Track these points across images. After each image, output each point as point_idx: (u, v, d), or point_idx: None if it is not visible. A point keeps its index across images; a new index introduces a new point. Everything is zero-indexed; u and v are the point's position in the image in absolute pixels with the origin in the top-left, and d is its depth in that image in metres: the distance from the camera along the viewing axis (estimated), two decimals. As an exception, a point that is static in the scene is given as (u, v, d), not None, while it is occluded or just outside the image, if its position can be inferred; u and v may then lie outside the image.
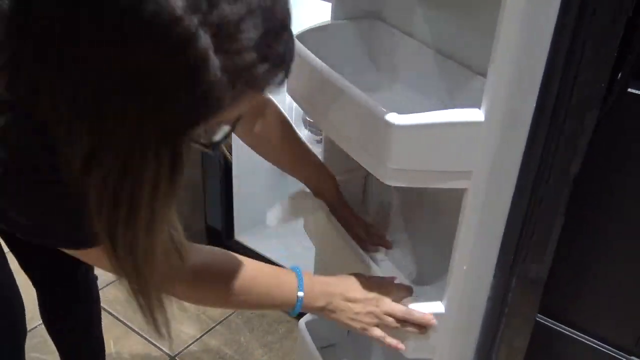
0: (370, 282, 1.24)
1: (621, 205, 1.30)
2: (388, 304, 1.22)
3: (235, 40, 0.68)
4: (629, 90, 1.15)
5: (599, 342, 1.44)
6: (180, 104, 0.69)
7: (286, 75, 0.77)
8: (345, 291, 1.22)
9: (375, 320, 1.22)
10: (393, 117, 1.05)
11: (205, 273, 1.13)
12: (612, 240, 1.34)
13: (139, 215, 0.77)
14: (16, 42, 0.73)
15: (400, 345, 1.25)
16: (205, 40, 0.65)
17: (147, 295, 0.91)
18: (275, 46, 0.72)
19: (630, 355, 1.41)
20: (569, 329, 1.46)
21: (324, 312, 1.23)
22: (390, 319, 1.22)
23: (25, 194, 0.87)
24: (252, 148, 1.50)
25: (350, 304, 1.21)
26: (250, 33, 0.68)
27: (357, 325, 1.22)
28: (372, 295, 1.22)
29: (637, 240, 1.30)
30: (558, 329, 1.47)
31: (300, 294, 1.18)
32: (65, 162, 0.76)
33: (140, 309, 0.92)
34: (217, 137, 0.82)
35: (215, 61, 0.67)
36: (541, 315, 1.45)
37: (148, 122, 0.69)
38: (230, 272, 1.14)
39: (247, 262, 1.18)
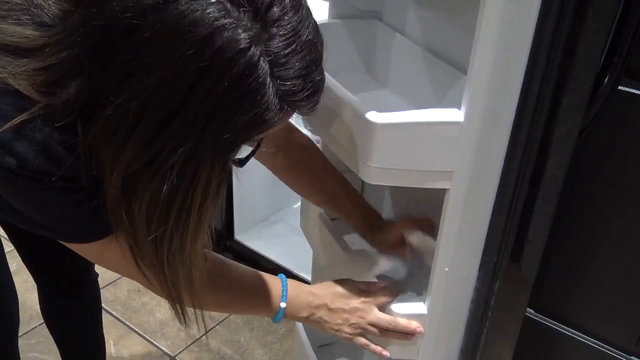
0: (356, 290, 1.24)
1: (620, 203, 1.29)
2: (374, 315, 1.22)
3: (286, 69, 0.80)
4: (620, 88, 1.13)
5: (599, 342, 1.43)
6: (241, 123, 0.79)
7: (319, 100, 0.88)
8: (330, 302, 1.22)
9: (359, 331, 1.23)
10: (374, 116, 1.05)
11: None
12: (612, 239, 1.33)
13: (189, 221, 0.86)
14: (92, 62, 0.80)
15: (385, 352, 1.25)
16: (265, 67, 0.77)
17: (180, 296, 0.99)
18: (314, 75, 0.84)
19: (630, 355, 1.40)
20: (568, 329, 1.46)
21: (308, 322, 1.24)
22: (375, 329, 1.22)
23: (43, 198, 0.91)
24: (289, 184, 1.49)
25: (334, 315, 1.22)
26: (298, 63, 0.81)
27: (341, 335, 1.23)
28: (357, 305, 1.22)
29: (636, 239, 1.29)
30: (557, 328, 1.47)
31: (283, 304, 1.19)
32: (112, 171, 0.84)
33: (175, 312, 1.03)
34: (245, 153, 0.94)
35: (271, 86, 0.78)
36: (540, 315, 1.44)
37: (210, 136, 0.79)
38: (217, 275, 1.15)
39: (233, 266, 1.19)
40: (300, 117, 2.37)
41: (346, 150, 1.15)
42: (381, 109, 1.07)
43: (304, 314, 1.21)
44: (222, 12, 0.74)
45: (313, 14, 0.89)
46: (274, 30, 0.78)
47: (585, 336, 1.45)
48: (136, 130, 0.79)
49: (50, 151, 0.85)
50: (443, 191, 1.12)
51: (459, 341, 1.30)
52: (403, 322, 1.22)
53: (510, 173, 1.10)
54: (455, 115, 1.04)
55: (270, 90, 0.79)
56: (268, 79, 0.78)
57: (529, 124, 1.05)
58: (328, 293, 1.23)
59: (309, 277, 2.11)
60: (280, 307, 1.19)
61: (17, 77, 0.83)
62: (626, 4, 1.02)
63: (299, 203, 2.29)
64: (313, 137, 2.37)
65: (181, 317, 1.04)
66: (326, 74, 1.18)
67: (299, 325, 1.80)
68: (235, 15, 0.75)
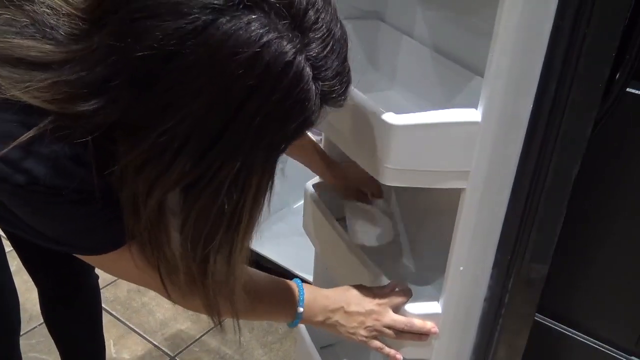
0: (371, 294, 1.24)
1: (622, 205, 1.30)
2: (389, 317, 1.22)
3: (325, 69, 0.80)
4: (628, 90, 1.14)
5: (599, 342, 1.44)
6: (291, 130, 0.81)
7: (345, 102, 0.89)
8: (346, 305, 1.22)
9: (374, 334, 1.23)
10: (391, 117, 1.05)
11: None
12: (613, 239, 1.34)
13: (239, 230, 0.87)
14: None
15: (399, 356, 1.26)
16: (309, 73, 0.78)
17: (218, 306, 1.00)
18: (346, 72, 0.85)
19: (630, 355, 1.41)
20: (569, 329, 1.46)
21: (323, 326, 1.23)
22: (390, 332, 1.22)
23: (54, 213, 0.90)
24: None
25: (350, 319, 1.22)
26: (335, 62, 0.81)
27: (357, 338, 1.23)
28: (372, 308, 1.22)
29: (637, 240, 1.30)
30: (558, 328, 1.47)
31: (300, 309, 1.19)
32: (150, 193, 0.84)
33: (213, 321, 1.03)
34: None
35: (314, 89, 0.79)
36: (541, 315, 1.45)
37: (261, 148, 0.80)
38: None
39: (251, 272, 1.18)
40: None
41: (361, 151, 1.15)
42: (390, 110, 1.07)
43: (320, 318, 1.22)
44: (266, 28, 0.74)
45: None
46: (312, 35, 0.78)
47: (586, 336, 1.45)
48: (183, 152, 0.79)
49: (60, 166, 0.84)
50: (452, 191, 1.13)
51: (471, 340, 1.31)
52: (418, 322, 1.22)
53: (525, 172, 1.11)
54: (472, 115, 1.04)
55: (314, 94, 0.80)
56: (311, 84, 0.79)
57: (545, 123, 1.06)
58: (344, 297, 1.23)
59: (309, 277, 2.10)
60: (297, 312, 1.19)
61: (32, 90, 0.81)
62: (637, 4, 1.03)
63: (299, 203, 2.29)
64: (313, 137, 2.37)
65: (219, 324, 1.05)
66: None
67: (302, 325, 1.81)
68: (277, 27, 0.75)
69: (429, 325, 1.23)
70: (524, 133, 1.08)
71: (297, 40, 0.76)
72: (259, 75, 0.74)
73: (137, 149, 0.81)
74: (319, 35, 0.79)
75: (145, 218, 0.87)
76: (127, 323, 2.38)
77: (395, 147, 1.07)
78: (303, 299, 1.19)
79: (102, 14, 0.79)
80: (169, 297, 1.04)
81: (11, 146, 0.81)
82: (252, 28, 0.73)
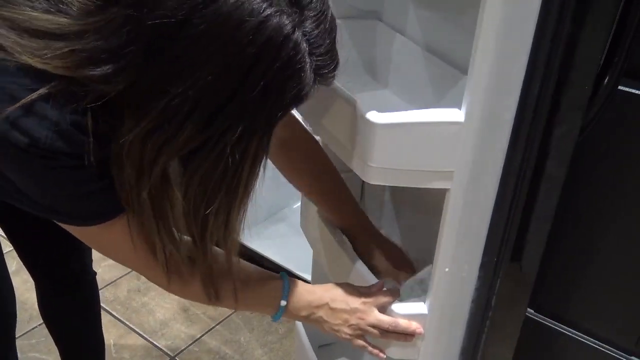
0: (357, 292, 1.24)
1: (620, 203, 1.29)
2: (374, 317, 1.21)
3: (319, 46, 0.88)
4: (623, 88, 1.13)
5: (599, 342, 1.43)
6: (289, 99, 0.89)
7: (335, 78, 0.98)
8: (330, 302, 1.22)
9: (358, 332, 1.23)
10: (374, 116, 1.05)
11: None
12: (612, 239, 1.33)
13: (237, 194, 0.95)
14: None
15: (382, 355, 1.26)
16: (305, 47, 0.86)
17: (213, 275, 1.09)
18: (335, 52, 0.94)
19: (630, 355, 1.40)
20: (569, 329, 1.46)
21: (307, 321, 1.24)
22: (375, 331, 1.22)
23: (52, 176, 0.93)
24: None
25: (334, 315, 1.22)
26: (327, 39, 0.90)
27: (340, 335, 1.24)
28: (357, 306, 1.22)
29: (636, 239, 1.29)
30: (557, 328, 1.47)
31: (283, 302, 1.20)
32: (157, 158, 0.90)
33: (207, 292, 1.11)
34: None
35: (309, 63, 0.87)
36: (540, 315, 1.44)
37: (262, 115, 0.88)
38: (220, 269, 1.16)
39: (239, 262, 1.18)
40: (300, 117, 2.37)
41: (347, 150, 1.15)
42: (381, 109, 1.07)
43: (304, 312, 1.22)
44: (267, 2, 0.82)
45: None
46: (307, 13, 0.86)
47: (585, 336, 1.45)
48: (192, 117, 0.86)
49: (62, 131, 0.88)
50: (442, 191, 1.12)
51: (459, 341, 1.30)
52: (403, 323, 1.22)
53: (510, 173, 1.10)
54: (455, 115, 1.04)
55: (309, 67, 0.88)
56: (307, 58, 0.87)
57: (529, 124, 1.05)
58: (329, 293, 1.23)
59: (309, 277, 2.10)
60: (280, 305, 1.19)
61: (48, 58, 0.87)
62: (626, 4, 1.02)
63: (299, 203, 2.29)
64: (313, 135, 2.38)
65: (213, 295, 1.11)
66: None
67: (299, 325, 1.81)
68: (278, 2, 0.83)
69: (414, 325, 1.22)
70: (509, 133, 1.07)
71: (295, 16, 0.84)
72: (261, 45, 0.82)
73: (147, 116, 0.87)
74: (313, 14, 0.87)
75: (150, 186, 0.93)
76: (127, 323, 2.38)
77: (379, 146, 1.06)
78: (287, 292, 1.20)
79: None
80: (167, 285, 1.10)
81: (15, 106, 0.86)
82: (256, 1, 0.81)
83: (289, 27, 0.83)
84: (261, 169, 0.96)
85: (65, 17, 0.89)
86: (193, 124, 0.86)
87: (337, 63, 0.95)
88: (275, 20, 0.82)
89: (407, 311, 1.23)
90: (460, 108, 1.05)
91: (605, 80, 1.09)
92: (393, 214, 1.64)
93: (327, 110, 1.20)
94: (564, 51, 1.00)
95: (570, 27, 0.98)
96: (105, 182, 0.95)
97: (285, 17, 0.83)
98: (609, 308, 1.40)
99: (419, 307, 1.23)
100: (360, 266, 1.35)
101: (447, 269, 1.17)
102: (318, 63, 0.89)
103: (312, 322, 1.24)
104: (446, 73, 1.30)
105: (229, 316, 2.39)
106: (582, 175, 1.15)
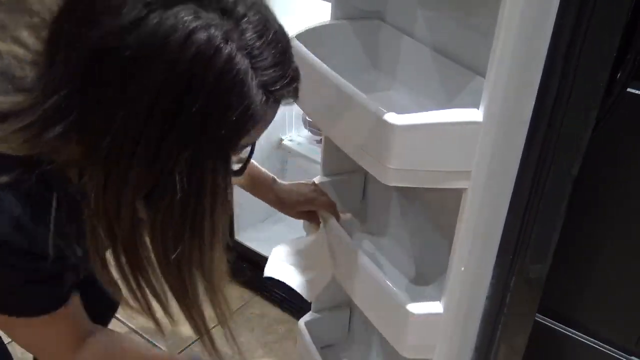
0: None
1: (621, 205, 1.30)
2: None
3: (263, 59, 0.82)
4: (629, 90, 1.15)
5: (599, 342, 1.44)
6: (233, 118, 0.81)
7: (299, 88, 0.91)
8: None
9: None
10: (393, 118, 1.05)
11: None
12: (613, 239, 1.34)
13: (204, 231, 0.87)
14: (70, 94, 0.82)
15: None
16: (244, 61, 0.79)
17: (206, 324, 1.03)
18: (290, 62, 0.87)
19: (630, 355, 1.41)
20: (570, 329, 1.47)
21: None
22: None
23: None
24: None
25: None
26: (273, 52, 0.83)
27: None
28: None
29: (637, 240, 1.31)
30: (558, 328, 1.48)
31: None
32: (119, 209, 0.84)
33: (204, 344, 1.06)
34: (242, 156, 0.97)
35: (253, 78, 0.81)
36: (541, 315, 1.45)
37: (208, 138, 0.81)
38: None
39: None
40: (300, 117, 2.37)
41: (362, 151, 1.15)
42: (391, 110, 1.07)
43: None
44: (193, 15, 0.77)
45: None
46: (244, 25, 0.81)
47: (586, 336, 1.46)
48: (137, 154, 0.80)
49: (19, 223, 0.87)
50: (453, 191, 1.13)
51: (473, 339, 1.31)
52: None
53: (526, 172, 1.11)
54: (474, 115, 1.04)
55: (253, 82, 0.81)
56: (250, 72, 0.80)
57: (547, 123, 1.06)
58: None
59: (309, 277, 2.11)
60: None
61: (6, 138, 0.85)
62: (637, 3, 1.03)
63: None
64: (313, 137, 2.38)
65: (211, 347, 1.07)
66: (337, 75, 1.20)
67: (302, 325, 1.81)
68: (205, 15, 0.78)
69: None
70: (526, 132, 1.08)
71: (228, 28, 0.79)
72: (191, 60, 0.77)
73: (98, 169, 0.83)
74: (252, 26, 0.81)
75: (123, 242, 0.88)
76: (127, 323, 2.37)
77: (397, 148, 1.07)
78: None
79: (56, 46, 0.83)
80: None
81: None
82: (181, 15, 0.76)
83: (219, 38, 0.78)
84: (226, 201, 0.88)
85: (22, 94, 0.87)
86: (140, 162, 0.81)
87: (292, 77, 0.88)
88: (203, 34, 0.77)
89: (423, 311, 1.23)
90: (471, 107, 1.06)
91: (618, 78, 1.10)
92: (400, 216, 1.64)
93: (341, 112, 1.21)
94: (580, 49, 1.00)
95: (587, 26, 0.99)
96: (56, 273, 0.94)
97: (214, 29, 0.78)
98: (609, 308, 1.41)
99: (435, 307, 1.24)
100: (367, 263, 1.36)
101: (463, 268, 1.18)
102: (265, 78, 0.83)
103: None
104: (452, 72, 1.31)
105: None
106: (586, 177, 1.16)
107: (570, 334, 1.47)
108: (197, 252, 0.89)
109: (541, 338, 1.47)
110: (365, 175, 1.69)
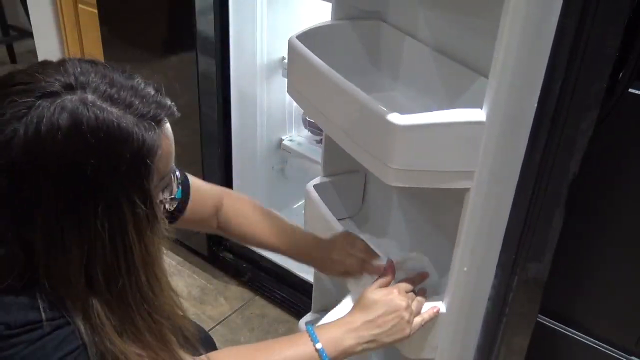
0: (375, 291, 1.23)
1: (621, 205, 1.30)
2: (403, 288, 1.22)
3: (125, 99, 0.89)
4: (630, 90, 1.15)
5: (599, 342, 1.44)
6: (127, 158, 0.88)
7: (172, 110, 0.97)
8: (366, 315, 1.21)
9: (412, 315, 1.22)
10: (395, 118, 1.05)
11: None
12: (613, 240, 1.34)
13: (135, 260, 0.94)
14: None
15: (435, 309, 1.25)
16: (110, 112, 0.87)
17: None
18: (144, 95, 0.93)
19: (630, 355, 1.41)
20: (570, 329, 1.47)
21: (362, 347, 1.21)
22: (418, 298, 1.23)
23: None
24: (241, 239, 1.51)
25: (382, 323, 1.20)
26: (129, 90, 0.91)
27: (405, 332, 1.21)
28: (392, 297, 1.21)
29: (637, 240, 1.31)
30: (558, 329, 1.48)
31: (319, 345, 1.17)
32: (69, 277, 0.91)
33: None
34: (175, 191, 1.05)
35: (127, 119, 0.88)
36: (541, 315, 1.45)
37: (114, 186, 0.88)
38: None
39: (257, 345, 1.22)
40: (300, 117, 2.37)
41: (364, 151, 1.15)
42: (394, 110, 1.07)
43: (350, 341, 1.20)
44: (51, 101, 0.85)
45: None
46: (92, 86, 0.89)
47: (586, 336, 1.46)
48: (64, 227, 0.88)
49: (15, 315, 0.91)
50: (455, 191, 1.13)
51: (475, 339, 1.31)
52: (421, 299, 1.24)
53: (529, 171, 1.11)
54: (477, 115, 1.04)
55: (129, 122, 0.88)
56: (121, 118, 0.88)
57: (549, 123, 1.06)
58: (358, 312, 1.22)
59: (309, 277, 2.11)
60: (317, 349, 1.17)
61: None
62: (639, 4, 1.03)
63: (300, 203, 2.29)
64: (313, 137, 2.38)
65: None
66: (338, 75, 1.19)
67: (302, 326, 1.81)
68: (59, 100, 0.86)
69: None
70: (528, 133, 1.08)
71: (78, 97, 0.86)
72: (66, 137, 0.84)
73: (42, 253, 0.89)
74: (99, 83, 0.89)
75: (81, 297, 0.93)
76: None
77: (400, 148, 1.07)
78: (316, 336, 1.18)
79: None
80: None
81: None
82: (40, 111, 0.84)
83: (78, 108, 0.85)
84: (153, 231, 0.96)
85: None
86: (69, 230, 0.88)
87: (160, 104, 0.95)
88: (64, 113, 0.84)
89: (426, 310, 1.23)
90: (473, 107, 1.06)
91: (620, 78, 1.10)
92: (401, 216, 1.64)
93: (342, 112, 1.20)
94: (583, 49, 1.01)
95: (590, 27, 0.99)
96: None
97: (70, 103, 0.85)
98: (609, 308, 1.41)
99: (437, 306, 1.24)
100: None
101: (465, 268, 1.18)
102: (137, 113, 0.90)
103: (369, 345, 1.21)
104: (453, 72, 1.31)
105: (229, 316, 2.38)
106: (587, 177, 1.16)
107: (570, 334, 1.47)
108: (135, 285, 0.95)
109: (541, 338, 1.47)
110: (366, 175, 1.69)
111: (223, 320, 2.37)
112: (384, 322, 1.20)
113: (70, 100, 0.86)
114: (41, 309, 0.91)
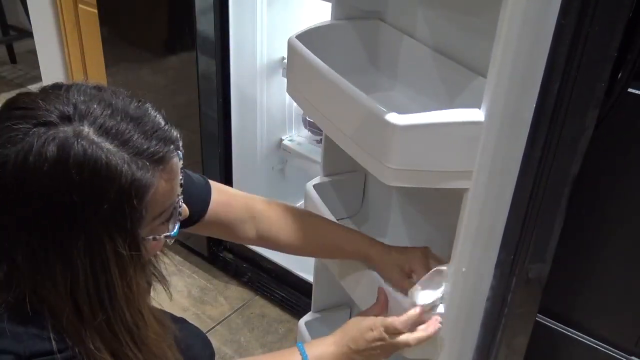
0: (367, 323, 1.24)
1: (621, 205, 1.30)
2: (389, 325, 1.21)
3: (123, 134, 0.88)
4: (630, 90, 1.15)
5: (599, 342, 1.44)
6: (111, 194, 0.87)
7: (178, 146, 0.96)
8: (352, 345, 1.22)
9: (391, 350, 1.24)
10: (394, 117, 1.05)
11: None
12: (612, 239, 1.34)
13: (118, 295, 0.93)
14: None
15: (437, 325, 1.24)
16: (100, 147, 0.86)
17: None
18: (150, 127, 0.91)
19: (630, 355, 1.41)
20: (569, 329, 1.47)
21: None
22: (401, 338, 1.22)
23: None
24: (281, 249, 1.48)
25: (365, 354, 1.23)
26: (129, 123, 0.90)
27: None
28: (375, 335, 1.22)
29: (637, 240, 1.30)
30: (558, 329, 1.48)
31: None
32: (60, 305, 0.91)
33: None
34: (173, 228, 1.02)
35: (118, 156, 0.87)
36: (541, 315, 1.45)
37: (96, 223, 0.87)
38: None
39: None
40: (300, 117, 2.37)
41: (362, 151, 1.15)
42: (392, 110, 1.07)
43: None
44: (43, 133, 0.85)
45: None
46: (91, 117, 0.88)
47: (586, 336, 1.46)
48: (48, 254, 0.88)
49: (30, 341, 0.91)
50: (454, 191, 1.13)
51: (474, 339, 1.31)
52: (413, 313, 1.22)
53: (528, 171, 1.11)
54: (476, 115, 1.04)
55: (120, 159, 0.87)
56: (111, 154, 0.87)
57: (548, 122, 1.06)
58: (346, 339, 1.24)
59: (309, 278, 2.11)
60: None
61: None
62: (638, 3, 1.03)
63: (300, 203, 2.29)
64: (313, 137, 2.38)
65: None
66: (338, 75, 1.19)
67: (302, 325, 1.81)
68: (54, 129, 0.86)
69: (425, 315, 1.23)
70: (527, 132, 1.08)
71: (73, 128, 0.86)
72: (52, 167, 0.84)
73: (25, 269, 0.90)
74: (99, 114, 0.89)
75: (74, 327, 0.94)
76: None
77: (398, 147, 1.07)
78: (305, 353, 1.21)
79: None
80: None
81: None
82: (33, 139, 0.85)
83: (69, 139, 0.85)
84: (137, 268, 0.95)
85: None
86: (52, 256, 0.88)
87: (164, 139, 0.93)
88: (52, 145, 0.84)
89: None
90: (472, 107, 1.06)
91: (619, 77, 1.10)
92: (400, 216, 1.64)
93: (341, 112, 1.20)
94: (582, 49, 1.00)
95: (589, 27, 0.99)
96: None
97: (62, 134, 0.85)
98: (609, 308, 1.41)
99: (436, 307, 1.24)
100: (366, 266, 1.36)
101: (464, 269, 1.17)
102: (133, 150, 0.89)
103: None
104: (452, 72, 1.31)
105: (229, 316, 2.38)
106: (586, 177, 1.16)
107: (570, 334, 1.47)
108: (119, 319, 0.95)
109: (541, 338, 1.46)
110: (366, 175, 1.69)
111: (223, 320, 2.38)
112: (370, 354, 1.23)
113: (64, 131, 0.85)
114: (52, 340, 0.91)
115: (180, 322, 1.41)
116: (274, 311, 2.40)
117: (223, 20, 2.06)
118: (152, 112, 0.95)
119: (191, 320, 2.35)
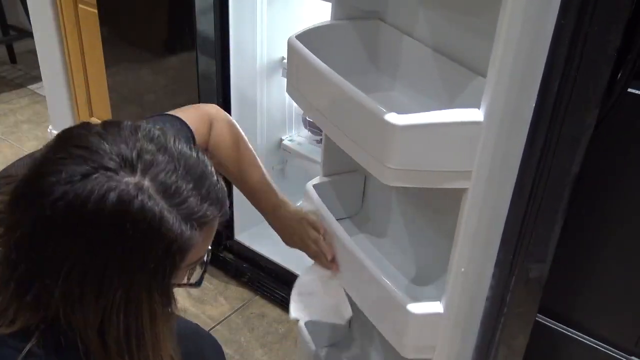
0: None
1: (621, 205, 1.30)
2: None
3: (180, 196, 0.89)
4: (629, 90, 1.15)
5: (599, 342, 1.44)
6: (157, 255, 0.88)
7: (225, 205, 0.97)
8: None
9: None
10: (393, 118, 1.05)
11: None
12: (612, 239, 1.34)
13: (147, 345, 0.94)
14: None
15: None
16: (159, 204, 0.87)
17: None
18: (207, 187, 0.93)
19: (630, 355, 1.41)
20: (569, 329, 1.47)
21: None
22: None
23: None
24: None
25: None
26: (187, 185, 0.90)
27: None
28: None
29: (637, 240, 1.30)
30: (558, 328, 1.47)
31: None
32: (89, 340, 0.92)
33: None
34: (196, 277, 1.04)
35: (172, 216, 0.88)
36: (541, 315, 1.45)
37: (137, 277, 0.89)
38: None
39: None
40: (300, 117, 2.37)
41: (362, 151, 1.15)
42: (392, 110, 1.07)
43: None
44: (106, 180, 0.85)
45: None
46: (154, 170, 0.89)
47: (586, 336, 1.46)
48: (83, 298, 0.89)
49: None
50: (453, 191, 1.13)
51: (473, 339, 1.31)
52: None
53: (527, 171, 1.11)
54: (475, 115, 1.04)
55: (173, 219, 0.88)
56: (166, 212, 0.87)
57: (547, 122, 1.06)
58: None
59: (310, 277, 2.10)
60: None
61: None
62: (638, 3, 1.03)
63: (299, 203, 2.29)
64: (313, 137, 2.38)
65: None
66: (337, 75, 1.20)
67: (302, 326, 1.81)
68: (116, 177, 0.86)
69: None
70: (527, 132, 1.08)
71: (135, 181, 0.87)
72: (110, 217, 0.85)
73: (61, 305, 0.90)
74: (161, 169, 0.89)
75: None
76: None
77: (398, 148, 1.07)
78: None
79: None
80: None
81: None
82: (95, 183, 0.85)
83: (130, 193, 0.85)
84: (167, 319, 0.97)
85: None
86: (85, 303, 0.89)
87: (215, 200, 0.95)
88: (113, 194, 0.85)
89: (423, 311, 1.23)
90: (472, 107, 1.06)
91: (619, 77, 1.10)
92: (400, 216, 1.64)
93: (341, 112, 1.21)
94: (582, 49, 1.00)
95: (588, 26, 0.99)
96: None
97: (124, 185, 0.86)
98: (609, 308, 1.41)
99: (435, 307, 1.24)
100: (367, 263, 1.36)
101: (463, 269, 1.18)
102: (187, 211, 0.90)
103: None
104: (453, 72, 1.31)
105: (229, 316, 2.38)
106: (586, 177, 1.16)
107: (570, 334, 1.47)
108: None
109: (541, 338, 1.46)
110: (365, 175, 1.69)
111: (223, 320, 2.37)
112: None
113: (125, 183, 0.86)
114: None
115: (195, 336, 1.51)
116: (274, 311, 2.39)
117: (223, 20, 2.06)
118: (209, 167, 0.96)
119: (191, 320, 2.36)
